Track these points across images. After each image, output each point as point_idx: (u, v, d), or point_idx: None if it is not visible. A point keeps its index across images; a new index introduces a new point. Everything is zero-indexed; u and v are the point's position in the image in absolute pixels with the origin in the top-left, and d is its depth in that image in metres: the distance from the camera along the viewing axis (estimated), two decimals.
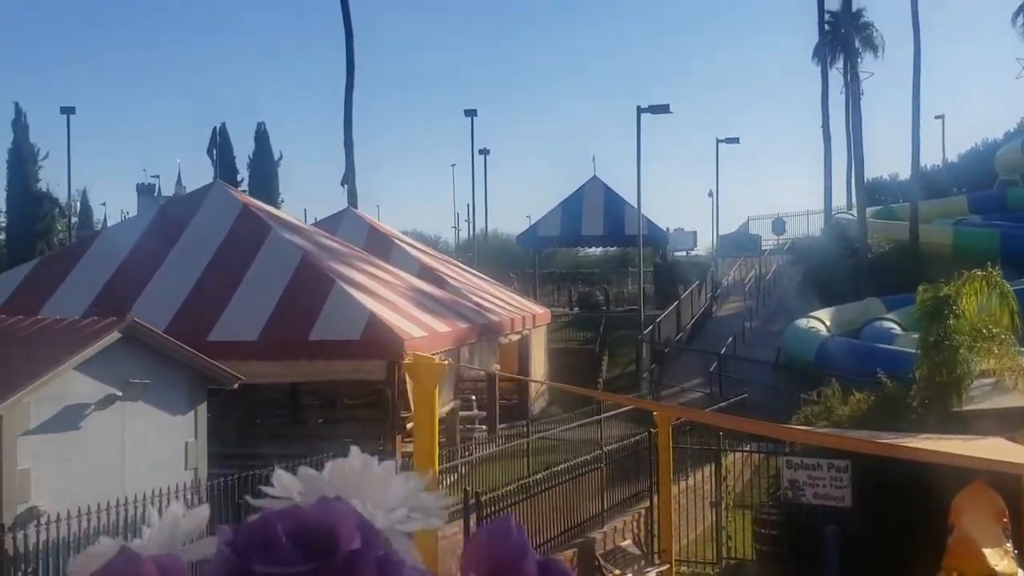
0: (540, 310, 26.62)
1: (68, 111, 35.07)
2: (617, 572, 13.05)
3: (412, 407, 15.64)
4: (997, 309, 13.37)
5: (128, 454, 9.31)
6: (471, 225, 44.39)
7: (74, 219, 42.05)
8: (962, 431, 12.19)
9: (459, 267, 26.34)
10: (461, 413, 18.83)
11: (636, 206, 37.89)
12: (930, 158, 55.50)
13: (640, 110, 29.94)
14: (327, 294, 15.97)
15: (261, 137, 37.34)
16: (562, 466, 13.52)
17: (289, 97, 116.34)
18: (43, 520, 8.33)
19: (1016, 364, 13.18)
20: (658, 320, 30.20)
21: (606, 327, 34.33)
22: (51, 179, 37.94)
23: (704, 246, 56.81)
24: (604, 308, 41.49)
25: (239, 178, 37.74)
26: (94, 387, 8.96)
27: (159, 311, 14.78)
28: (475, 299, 22.07)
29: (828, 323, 29.65)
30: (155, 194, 44.51)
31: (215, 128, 18.95)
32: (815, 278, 35.75)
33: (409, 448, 17.09)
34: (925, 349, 14.01)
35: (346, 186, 26.25)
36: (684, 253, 51.57)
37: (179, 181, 55.51)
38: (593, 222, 38.05)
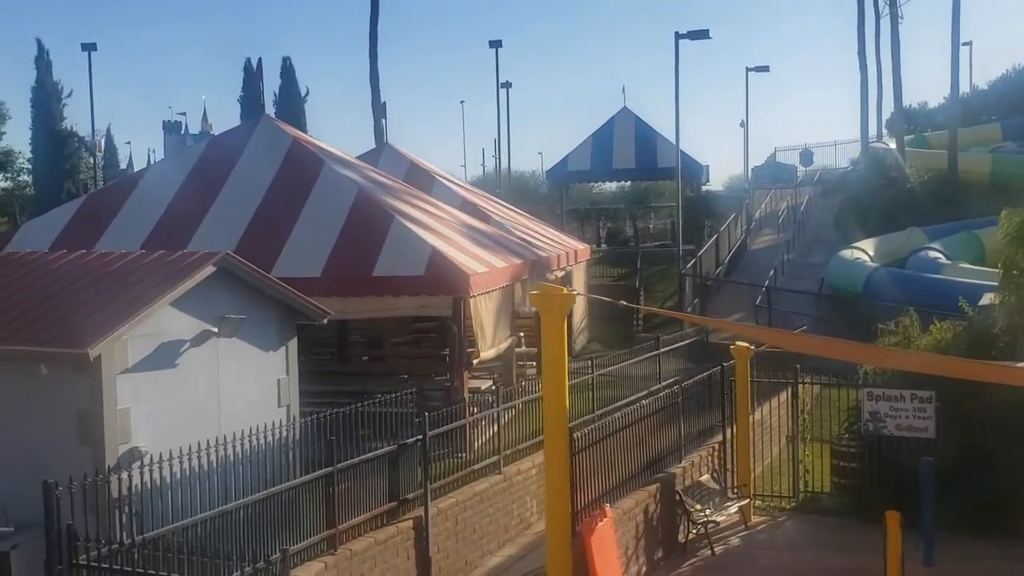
0: (580, 246, 26.20)
1: (89, 48, 34.36)
2: (699, 507, 12.83)
3: (480, 339, 15.34)
4: None
5: (223, 392, 9.01)
6: (497, 160, 43.71)
7: (99, 158, 41.52)
8: None
9: (499, 203, 25.88)
10: (516, 350, 18.52)
11: (669, 138, 37.22)
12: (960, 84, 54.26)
13: (678, 36, 29.10)
14: (387, 229, 15.58)
15: (287, 72, 36.64)
16: (644, 401, 13.20)
17: (314, 33, 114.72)
18: (145, 461, 8.05)
19: None
20: (700, 254, 29.72)
21: (641, 262, 33.93)
22: (74, 118, 37.40)
23: (720, 180, 55.91)
24: (633, 244, 41.04)
25: (267, 112, 37.16)
26: (189, 323, 8.63)
27: (215, 248, 14.39)
28: (520, 235, 21.67)
29: (871, 253, 29.21)
30: (182, 131, 43.86)
31: (259, 60, 18.32)
32: (852, 209, 35.15)
33: (474, 384, 16.86)
34: (1008, 276, 13.58)
35: (383, 120, 25.75)
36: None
37: (205, 118, 55.01)
38: (625, 155, 37.40)
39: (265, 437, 9.08)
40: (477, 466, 12.61)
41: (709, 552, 12.55)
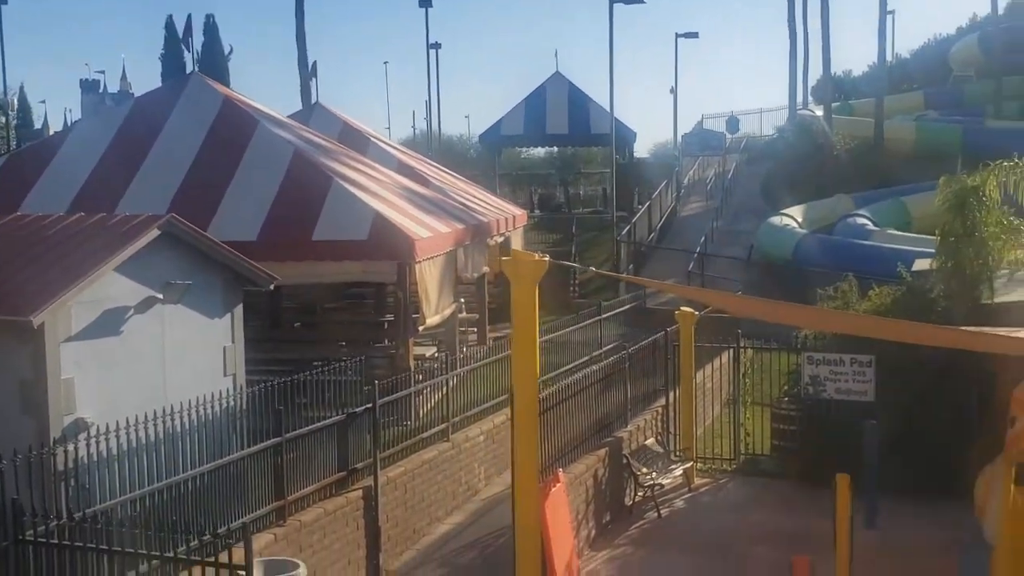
0: (518, 211, 26.02)
1: None
2: (645, 470, 12.89)
3: (425, 305, 15.12)
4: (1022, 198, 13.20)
5: (168, 360, 8.67)
6: (428, 123, 43.21)
7: (12, 118, 39.90)
8: (991, 325, 12.08)
9: (436, 166, 25.53)
10: (459, 316, 18.36)
11: (601, 103, 37.24)
12: (874, 55, 55.14)
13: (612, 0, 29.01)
14: (326, 192, 15.21)
15: (211, 30, 35.52)
16: (593, 366, 13.17)
17: None
18: (90, 432, 7.71)
19: None
20: (634, 221, 29.85)
21: (575, 229, 33.92)
22: None
23: (647, 146, 56.20)
24: (566, 210, 41.02)
25: (188, 71, 36.03)
26: (133, 289, 8.26)
27: (145, 211, 13.91)
28: (459, 199, 21.42)
29: (800, 220, 29.66)
30: (100, 90, 42.23)
31: (188, 16, 17.64)
32: (779, 176, 35.64)
33: (419, 351, 16.66)
34: (946, 242, 13.83)
35: (314, 79, 25.15)
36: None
37: (124, 77, 53.16)
38: (558, 120, 37.27)
39: (213, 407, 8.78)
40: (426, 434, 12.47)
41: (656, 515, 12.64)
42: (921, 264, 16.30)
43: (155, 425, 8.15)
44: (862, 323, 10.99)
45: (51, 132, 38.63)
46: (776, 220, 29.20)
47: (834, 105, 40.32)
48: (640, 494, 12.91)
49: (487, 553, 11.60)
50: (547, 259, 7.88)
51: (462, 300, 19.50)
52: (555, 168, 52.29)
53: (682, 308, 14.44)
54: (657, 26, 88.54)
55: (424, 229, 15.53)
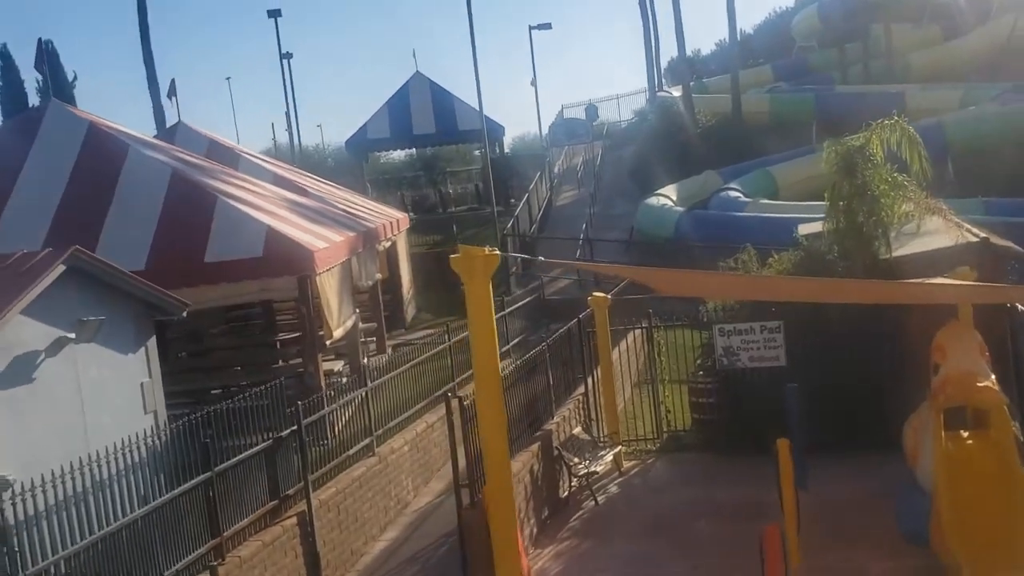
0: (400, 215, 25.67)
1: None
2: (576, 460, 12.80)
3: (328, 319, 14.64)
4: (907, 154, 13.65)
5: (86, 403, 8.03)
6: (290, 134, 42.20)
7: None
8: (892, 279, 12.47)
9: (311, 176, 24.89)
10: (361, 325, 17.91)
11: (465, 100, 37.16)
12: (721, 33, 56.95)
13: None
14: (212, 211, 14.55)
15: (50, 57, 33.62)
16: (518, 361, 12.96)
17: (74, 14, 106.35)
18: (16, 491, 7.07)
19: (935, 205, 13.60)
20: (516, 213, 29.81)
21: (453, 228, 33.66)
22: None
23: (509, 140, 56.41)
24: (441, 210, 40.69)
25: (30, 103, 34.10)
26: (41, 331, 7.60)
27: (22, 246, 12.99)
28: (342, 207, 20.93)
29: (674, 198, 30.21)
30: None
31: (40, 40, 16.57)
32: (645, 158, 36.26)
33: (328, 366, 16.13)
34: (835, 204, 14.18)
35: (174, 99, 24.12)
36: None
37: None
38: (423, 121, 36.93)
39: (138, 448, 8.20)
40: (352, 451, 12.04)
41: (593, 503, 12.56)
42: (807, 228, 16.74)
43: (82, 475, 7.54)
44: (806, 287, 11.07)
45: None
46: (653, 201, 29.66)
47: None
48: (574, 484, 12.82)
49: (429, 565, 11.28)
50: (497, 252, 7.62)
51: (357, 310, 19.03)
52: (417, 169, 51.85)
53: (594, 293, 14.42)
54: (510, 18, 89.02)
55: (319, 240, 15.06)
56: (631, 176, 37.08)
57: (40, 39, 16.72)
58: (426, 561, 11.38)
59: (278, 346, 18.55)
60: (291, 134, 40.92)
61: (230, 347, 18.62)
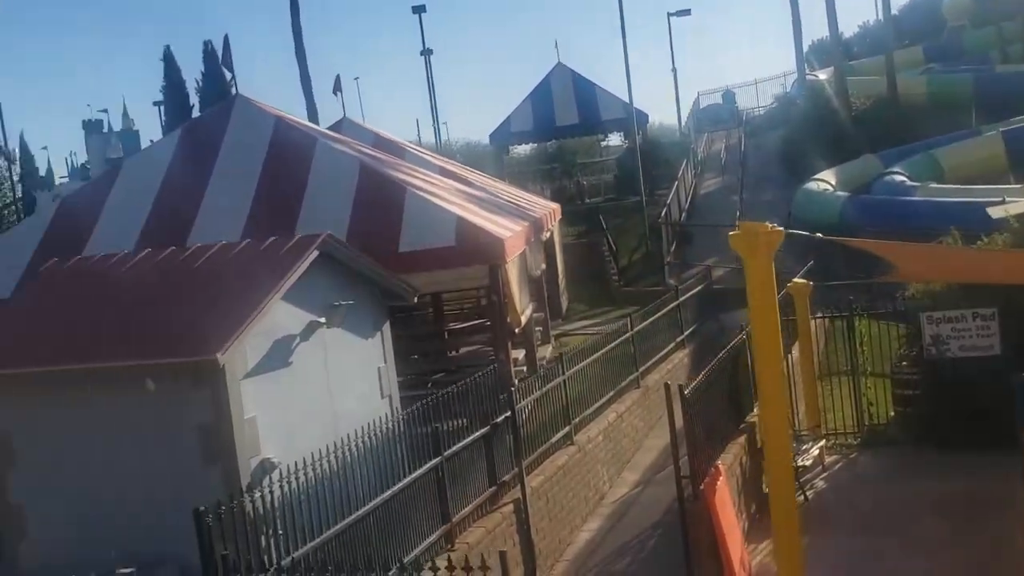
0: (554, 205, 25.49)
1: None
2: None
3: (514, 308, 14.59)
4: None
5: (333, 387, 8.11)
6: (435, 130, 42.60)
7: (16, 169, 39.04)
8: None
9: (471, 170, 24.97)
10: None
11: (607, 88, 36.80)
12: (863, 15, 54.82)
13: None
14: (402, 202, 14.63)
15: (210, 57, 34.79)
16: (722, 352, 12.59)
17: (234, 11, 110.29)
18: (276, 474, 7.16)
19: None
20: (667, 202, 29.35)
21: (597, 218, 33.35)
22: None
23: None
24: (579, 201, 40.42)
25: (190, 103, 35.36)
26: (297, 315, 7.69)
27: (221, 237, 13.32)
28: (507, 198, 20.88)
29: (833, 183, 29.23)
30: (104, 130, 41.21)
31: (225, 37, 17.00)
32: (797, 142, 35.23)
33: (517, 354, 16.11)
34: None
35: (339, 94, 24.60)
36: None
37: (126, 114, 51.81)
38: (566, 111, 36.74)
39: (379, 432, 8.24)
40: (554, 438, 11.91)
41: (802, 498, 12.10)
42: (997, 212, 15.93)
43: (335, 459, 7.60)
44: None
45: (57, 179, 37.77)
46: (812, 186, 28.76)
47: (832, 68, 39.93)
48: None
49: (641, 558, 11.07)
50: (781, 229, 7.34)
51: (534, 301, 18.98)
52: (543, 162, 51.66)
53: (795, 280, 13.94)
54: (644, 4, 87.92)
55: (504, 229, 14.99)
56: (781, 162, 36.13)
57: (226, 36, 17.05)
58: (637, 553, 11.17)
59: (446, 336, 18.69)
60: (436, 129, 41.22)
61: (409, 336, 18.66)
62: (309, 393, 7.82)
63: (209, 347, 6.73)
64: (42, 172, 37.67)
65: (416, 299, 9.66)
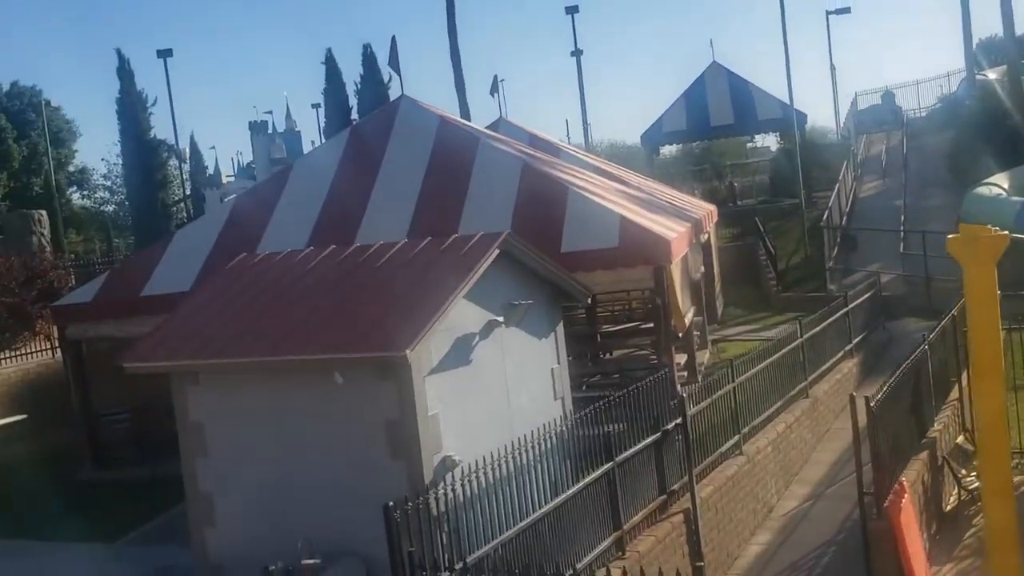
0: (710, 207, 24.98)
1: (165, 54, 33.61)
2: (964, 472, 11.69)
3: (678, 310, 14.28)
4: None
5: (511, 387, 8.05)
6: (584, 131, 42.43)
7: (186, 166, 40.96)
8: None
9: (625, 170, 24.72)
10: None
11: (763, 88, 35.85)
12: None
13: None
14: (564, 202, 14.52)
15: (369, 60, 35.64)
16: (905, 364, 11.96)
17: (390, 15, 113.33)
18: (457, 472, 7.12)
19: None
20: (829, 205, 28.33)
21: (752, 221, 32.49)
22: (156, 126, 36.56)
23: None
24: (732, 203, 39.55)
25: (350, 104, 36.26)
26: (477, 314, 7.66)
27: (388, 236, 13.49)
28: (665, 199, 20.54)
29: (1006, 187, 27.62)
30: (269, 131, 43.01)
31: (393, 38, 17.29)
32: (965, 145, 33.45)
33: (679, 359, 15.80)
34: None
35: (495, 95, 24.76)
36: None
37: (288, 115, 53.78)
38: (721, 111, 35.98)
39: (554, 435, 8.13)
40: (723, 448, 11.56)
41: None
42: None
43: (512, 460, 7.52)
44: None
45: (223, 177, 39.46)
46: (984, 190, 27.22)
47: (1002, 68, 37.77)
48: (957, 498, 11.70)
49: (816, 575, 10.60)
50: (1005, 233, 6.88)
51: (694, 305, 18.58)
52: (694, 162, 50.77)
53: None
54: (798, 2, 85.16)
55: (668, 230, 14.69)
56: (946, 165, 34.40)
57: (393, 37, 17.32)
58: (810, 570, 10.71)
59: (599, 338, 18.47)
60: (584, 130, 41.06)
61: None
62: (487, 392, 7.77)
63: (398, 343, 6.75)
64: (210, 171, 39.57)
65: (590, 300, 9.50)
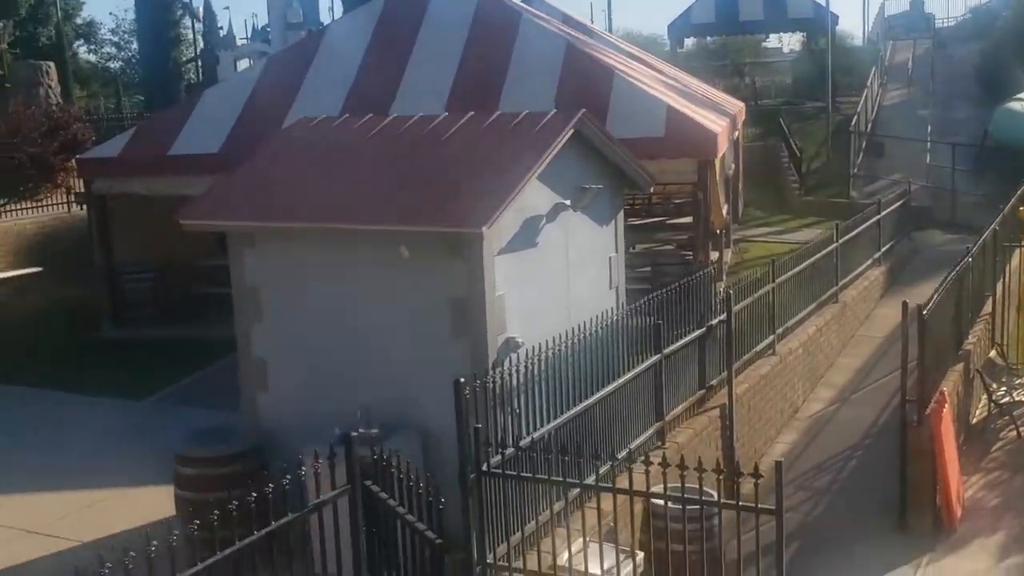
0: (740, 104, 24.45)
1: None
2: (994, 386, 11.71)
3: (717, 207, 14.09)
4: None
5: (571, 273, 7.90)
6: (608, 18, 41.28)
7: (199, 25, 39.85)
8: None
9: (658, 59, 24.10)
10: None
11: None
12: None
13: None
14: (609, 87, 14.12)
15: None
16: (950, 273, 11.82)
17: None
18: (522, 353, 7.04)
19: None
20: (858, 110, 27.81)
21: (776, 122, 31.93)
22: None
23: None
24: (755, 102, 38.81)
25: None
26: (546, 195, 7.43)
27: (423, 111, 13.14)
28: (700, 92, 20.06)
29: None
30: None
31: None
32: (996, 58, 32.72)
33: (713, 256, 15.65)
34: None
35: None
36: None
37: None
38: (752, 5, 34.96)
39: (608, 323, 8.04)
40: (759, 347, 11.52)
41: (1015, 434, 11.45)
42: None
43: (572, 345, 7.44)
44: None
45: (237, 40, 38.41)
46: (1016, 105, 26.72)
47: None
48: (993, 411, 11.74)
49: (842, 477, 10.71)
50: None
51: (728, 202, 18.34)
52: (710, 58, 49.56)
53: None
54: None
55: (713, 124, 14.35)
56: (975, 78, 33.73)
57: None
58: (837, 472, 10.81)
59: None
60: (608, 17, 39.99)
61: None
62: (549, 276, 7.61)
63: (474, 219, 6.54)
64: (224, 32, 38.53)
65: (652, 189, 9.28)
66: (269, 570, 5.02)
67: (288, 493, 5.38)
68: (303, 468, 5.44)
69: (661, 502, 7.38)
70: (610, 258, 8.56)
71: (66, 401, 12.08)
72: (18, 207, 19.38)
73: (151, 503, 8.39)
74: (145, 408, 11.81)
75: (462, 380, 6.17)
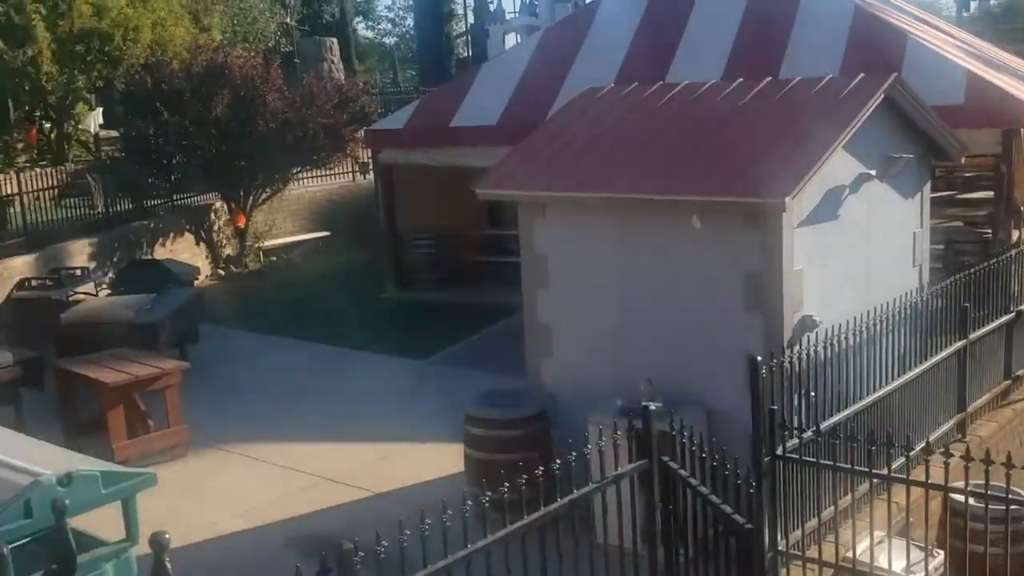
0: None
1: None
2: None
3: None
4: None
5: (873, 247, 7.43)
6: None
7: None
8: None
9: (943, 21, 22.32)
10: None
11: None
12: None
13: None
14: (902, 51, 13.18)
15: None
16: None
17: None
18: (818, 333, 6.68)
19: None
20: None
21: None
22: None
23: None
24: None
25: None
26: (850, 165, 7.02)
27: (700, 78, 12.78)
28: (996, 57, 18.35)
29: None
30: None
31: None
32: None
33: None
34: None
35: None
36: None
37: None
38: None
39: (912, 304, 7.49)
40: None
41: None
42: None
43: (876, 326, 7.00)
44: None
45: (506, 14, 39.14)
46: None
47: None
48: None
49: None
50: None
51: None
52: (998, 21, 45.25)
53: None
54: None
55: (1018, 91, 13.09)
56: None
57: None
58: None
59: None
60: None
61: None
62: (849, 251, 7.19)
63: (776, 189, 6.26)
64: (493, 6, 39.46)
65: (963, 160, 8.56)
66: (553, 536, 5.02)
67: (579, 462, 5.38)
68: (602, 439, 5.41)
69: (961, 498, 6.84)
70: (914, 234, 7.99)
71: (354, 358, 12.83)
72: (310, 175, 20.77)
73: (438, 459, 8.74)
74: (428, 367, 12.34)
75: (759, 359, 5.93)
